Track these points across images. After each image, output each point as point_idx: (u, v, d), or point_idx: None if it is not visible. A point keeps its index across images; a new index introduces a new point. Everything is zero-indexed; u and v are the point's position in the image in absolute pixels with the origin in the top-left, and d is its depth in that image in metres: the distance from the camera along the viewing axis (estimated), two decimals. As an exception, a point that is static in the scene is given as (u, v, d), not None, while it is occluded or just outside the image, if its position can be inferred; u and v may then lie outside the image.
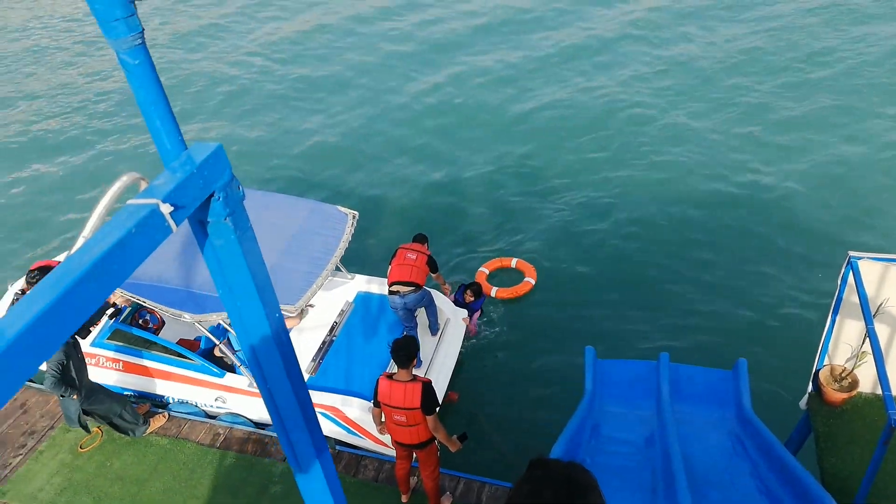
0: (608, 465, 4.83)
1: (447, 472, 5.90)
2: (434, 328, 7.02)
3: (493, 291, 8.42)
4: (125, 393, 6.62)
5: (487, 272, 8.77)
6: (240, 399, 6.36)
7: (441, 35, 15.48)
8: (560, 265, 8.94)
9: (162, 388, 6.63)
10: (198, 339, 7.05)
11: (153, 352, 6.52)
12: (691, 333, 7.69)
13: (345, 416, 6.01)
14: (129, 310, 6.80)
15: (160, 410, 6.56)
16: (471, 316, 7.49)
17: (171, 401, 6.70)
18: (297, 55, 15.43)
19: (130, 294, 5.86)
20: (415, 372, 5.02)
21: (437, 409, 4.86)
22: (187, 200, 1.25)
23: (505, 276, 8.86)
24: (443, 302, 7.23)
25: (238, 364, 6.19)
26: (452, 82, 13.62)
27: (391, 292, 6.65)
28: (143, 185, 1.27)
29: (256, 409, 6.31)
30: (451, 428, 7.00)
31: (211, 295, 5.71)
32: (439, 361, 6.70)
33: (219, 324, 6.04)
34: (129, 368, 6.58)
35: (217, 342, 6.13)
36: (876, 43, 13.54)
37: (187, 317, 5.66)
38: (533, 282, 8.55)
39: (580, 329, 7.90)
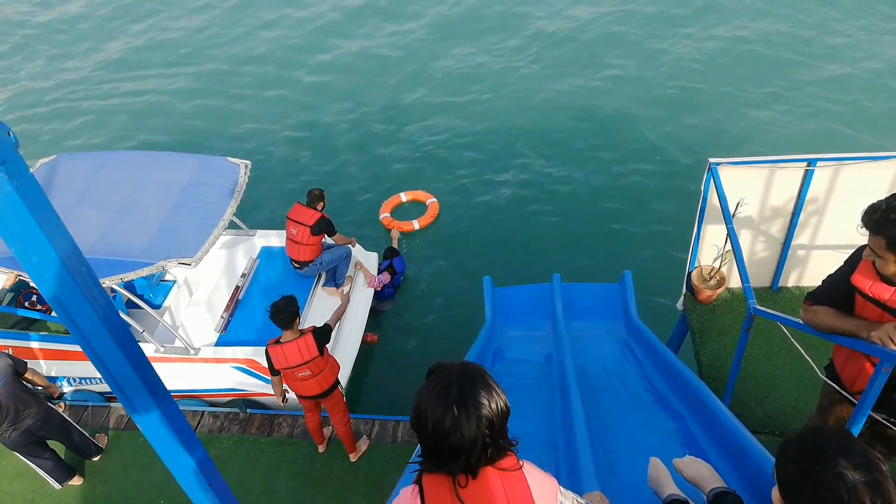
0: (514, 386, 5.04)
1: (361, 417, 6.01)
2: (339, 283, 6.98)
3: (416, 223, 8.57)
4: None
5: (389, 214, 8.82)
6: None
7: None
8: (445, 205, 9.06)
9: (63, 369, 6.28)
10: None
11: (45, 333, 6.14)
12: (581, 254, 8.05)
13: (259, 365, 5.96)
14: (10, 293, 6.31)
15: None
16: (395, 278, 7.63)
17: (71, 383, 6.35)
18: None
19: (14, 271, 5.45)
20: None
21: (330, 336, 4.99)
22: None
23: (405, 211, 8.95)
24: (357, 253, 7.30)
25: (142, 331, 5.95)
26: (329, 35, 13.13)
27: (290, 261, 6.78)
28: None
29: (166, 376, 6.11)
30: (374, 369, 7.16)
31: (101, 258, 5.40)
32: (352, 308, 6.78)
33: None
34: (19, 354, 6.16)
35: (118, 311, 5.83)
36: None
37: None
38: (435, 200, 8.80)
39: (478, 262, 8.09)
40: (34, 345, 6.18)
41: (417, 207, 9.01)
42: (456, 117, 10.58)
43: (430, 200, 8.92)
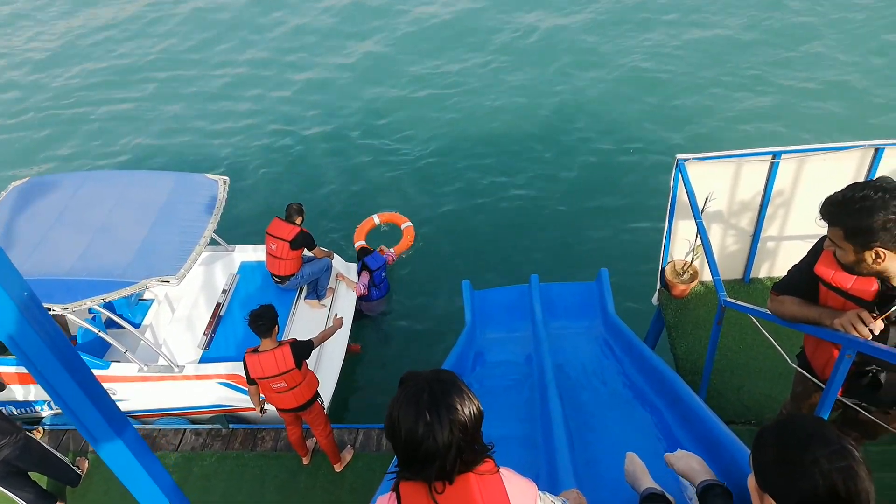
0: (495, 387, 5.06)
1: (345, 427, 5.99)
2: (320, 295, 6.97)
3: (391, 253, 8.16)
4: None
5: (364, 241, 8.47)
6: (131, 387, 6.07)
7: None
8: (422, 214, 9.04)
9: (42, 393, 6.17)
10: (73, 338, 6.58)
11: None
12: (558, 254, 8.12)
13: (243, 379, 5.90)
14: None
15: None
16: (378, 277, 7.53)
17: (52, 406, 6.26)
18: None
19: None
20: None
21: (310, 353, 4.95)
22: None
23: (379, 234, 8.80)
24: (338, 264, 7.30)
25: (125, 351, 5.87)
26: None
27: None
28: None
29: (150, 394, 6.08)
30: (362, 377, 7.14)
31: (80, 279, 5.33)
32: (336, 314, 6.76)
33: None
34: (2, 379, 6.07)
35: (98, 331, 5.76)
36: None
37: (58, 308, 5.25)
38: (409, 223, 8.57)
39: (458, 267, 8.11)
40: (11, 369, 6.08)
41: (392, 231, 8.78)
42: (429, 126, 10.62)
43: (405, 225, 8.56)
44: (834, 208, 2.49)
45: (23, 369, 6.07)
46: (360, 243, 8.29)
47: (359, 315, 7.34)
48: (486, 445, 1.79)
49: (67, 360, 1.68)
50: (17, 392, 6.19)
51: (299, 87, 11.93)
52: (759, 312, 3.38)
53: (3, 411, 5.03)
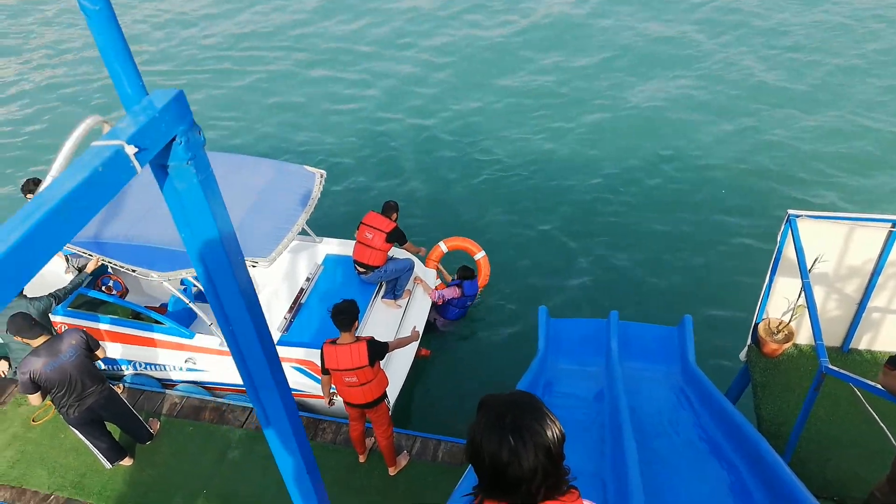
0: (563, 419, 4.96)
1: (404, 432, 6.01)
2: (397, 294, 7.08)
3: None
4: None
5: (439, 265, 8.02)
6: (211, 359, 6.33)
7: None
8: (507, 235, 9.02)
9: (128, 353, 6.54)
10: (163, 306, 6.94)
11: (119, 317, 6.42)
12: (640, 294, 7.92)
13: (316, 366, 6.06)
14: (90, 277, 6.65)
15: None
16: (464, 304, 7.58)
17: (136, 367, 6.61)
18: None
19: (98, 255, 5.75)
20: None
21: (385, 355, 5.02)
22: (149, 143, 1.26)
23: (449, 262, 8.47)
24: (417, 268, 7.38)
25: (210, 324, 6.13)
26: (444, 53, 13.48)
27: (354, 266, 6.90)
28: (107, 129, 1.27)
29: (227, 369, 6.30)
30: (425, 385, 7.18)
31: (179, 251, 5.62)
32: (409, 318, 6.94)
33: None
34: (94, 335, 6.47)
35: (189, 301, 6.06)
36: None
37: (155, 275, 5.55)
38: (483, 253, 8.09)
39: (535, 293, 8.05)
40: (103, 327, 6.45)
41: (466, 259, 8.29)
42: (522, 144, 10.64)
43: (480, 255, 7.95)
44: None
45: (112, 327, 6.44)
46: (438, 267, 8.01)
47: (428, 327, 7.39)
48: (567, 470, 1.76)
49: (259, 324, 1.78)
50: (106, 349, 6.56)
51: (419, 87, 12.24)
52: (865, 385, 3.19)
53: (95, 364, 5.35)
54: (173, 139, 1.35)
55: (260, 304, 1.86)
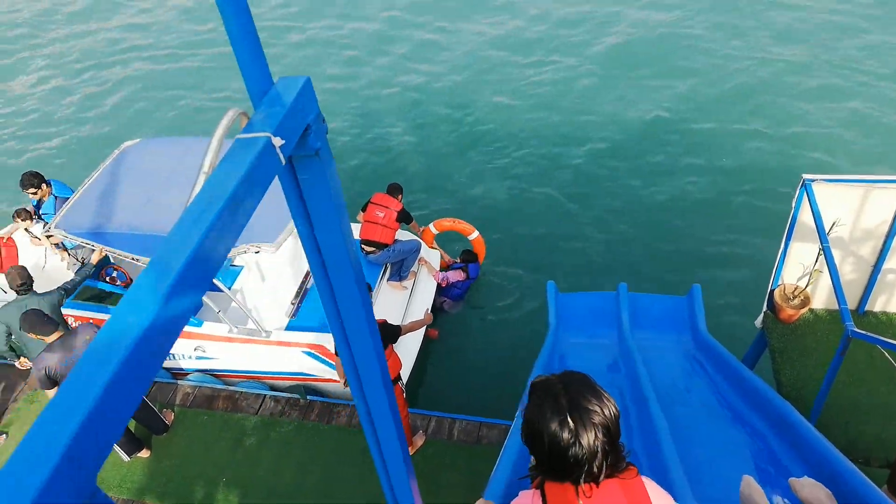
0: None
1: (418, 412, 6.01)
2: (403, 276, 7.03)
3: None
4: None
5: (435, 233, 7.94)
6: (220, 346, 6.28)
7: None
8: (507, 208, 8.95)
9: None
10: None
11: None
12: (648, 263, 7.89)
13: (327, 350, 6.03)
14: (93, 267, 6.56)
15: None
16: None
17: None
18: None
19: (102, 246, 5.66)
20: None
21: (398, 338, 5.04)
22: (289, 134, 1.20)
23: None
24: (422, 250, 7.36)
25: (217, 311, 6.06)
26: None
27: (360, 246, 6.79)
28: (245, 121, 1.23)
29: (236, 356, 6.26)
30: (435, 365, 7.17)
31: None
32: (415, 301, 6.93)
33: None
34: (98, 325, 6.41)
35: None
36: None
37: None
38: (477, 234, 7.87)
39: (543, 269, 8.00)
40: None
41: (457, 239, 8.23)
42: (513, 113, 10.53)
43: (474, 236, 7.74)
44: None
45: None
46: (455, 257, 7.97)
47: (433, 308, 7.37)
48: (622, 446, 1.74)
49: (370, 320, 1.73)
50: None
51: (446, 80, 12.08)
52: (894, 346, 3.18)
53: None
54: (306, 128, 1.29)
55: (371, 303, 1.81)
